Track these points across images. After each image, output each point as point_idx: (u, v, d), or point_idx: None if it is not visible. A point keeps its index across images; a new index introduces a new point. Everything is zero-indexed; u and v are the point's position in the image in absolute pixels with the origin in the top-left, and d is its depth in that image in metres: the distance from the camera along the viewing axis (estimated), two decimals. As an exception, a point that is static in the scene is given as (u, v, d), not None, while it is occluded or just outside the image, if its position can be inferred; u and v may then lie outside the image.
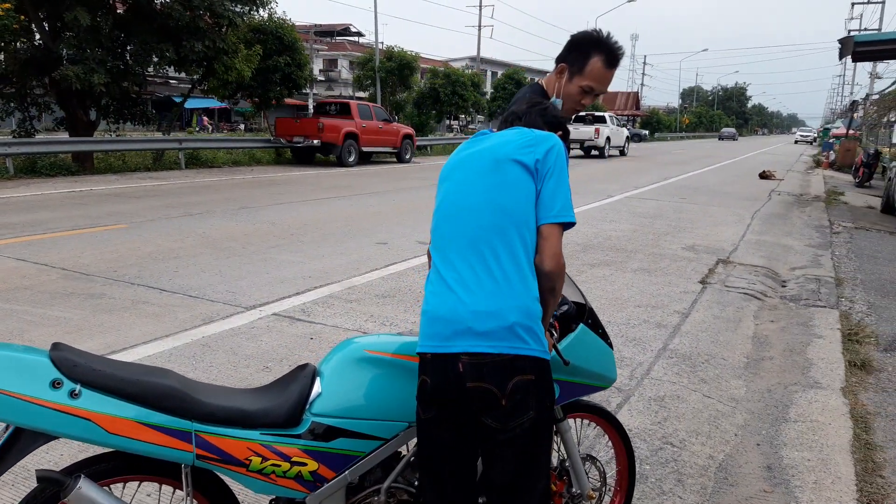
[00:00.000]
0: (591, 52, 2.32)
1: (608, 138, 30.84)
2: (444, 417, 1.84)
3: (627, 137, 34.77)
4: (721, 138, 77.35)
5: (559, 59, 2.41)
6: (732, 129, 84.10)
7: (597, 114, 31.68)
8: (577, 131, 29.37)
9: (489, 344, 1.73)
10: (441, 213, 1.95)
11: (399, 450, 2.04)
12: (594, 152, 30.83)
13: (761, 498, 3.12)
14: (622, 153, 33.79)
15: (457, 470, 1.90)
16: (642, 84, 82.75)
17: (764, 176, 21.49)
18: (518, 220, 1.81)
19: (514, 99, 2.48)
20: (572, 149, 34.20)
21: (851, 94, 63.07)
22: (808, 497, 3.13)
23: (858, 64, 52.70)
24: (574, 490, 2.44)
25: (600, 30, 2.36)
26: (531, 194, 1.84)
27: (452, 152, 2.09)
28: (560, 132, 2.12)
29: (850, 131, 33.35)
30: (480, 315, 1.74)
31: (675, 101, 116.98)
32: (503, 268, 1.77)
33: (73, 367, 1.65)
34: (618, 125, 33.56)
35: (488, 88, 46.29)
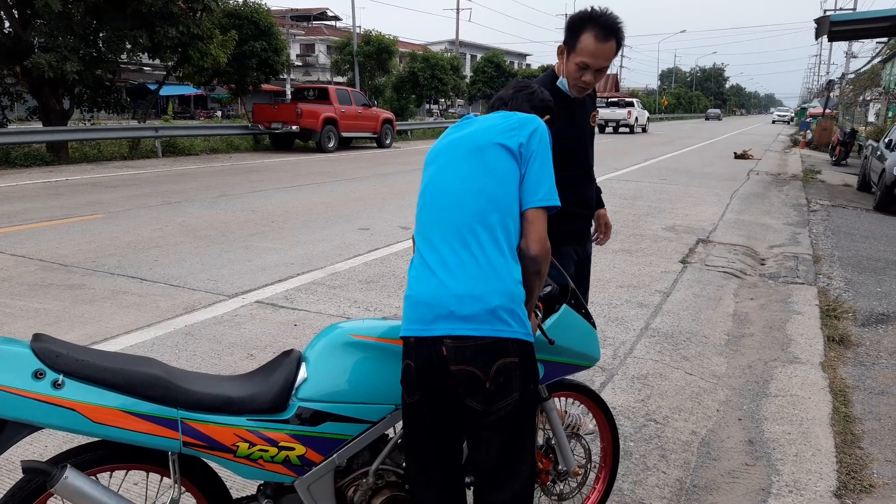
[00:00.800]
0: (581, 28, 2.39)
1: (636, 118, 38.57)
2: (428, 401, 1.84)
3: (647, 118, 42.94)
4: (707, 118, 79.78)
5: (561, 44, 2.54)
6: (718, 111, 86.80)
7: (627, 99, 39.80)
8: (614, 113, 37.37)
9: (472, 327, 1.74)
10: (425, 197, 1.95)
11: (386, 432, 2.04)
12: (624, 129, 38.34)
13: (743, 471, 3.18)
14: (644, 130, 40.93)
15: (442, 452, 1.91)
16: (621, 66, 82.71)
17: (740, 156, 21.66)
18: (501, 205, 1.81)
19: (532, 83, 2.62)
20: (607, 127, 37.26)
21: (828, 73, 63.65)
22: (789, 469, 3.19)
23: (834, 44, 53.14)
24: (560, 467, 2.47)
25: (593, 7, 2.40)
26: (515, 178, 1.84)
27: (439, 137, 2.08)
28: (547, 116, 2.12)
29: (827, 110, 33.72)
30: (463, 298, 1.75)
31: (654, 83, 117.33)
32: (486, 252, 1.77)
33: (55, 357, 1.63)
34: (641, 108, 41.21)
35: (468, 72, 46.11)
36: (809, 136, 30.70)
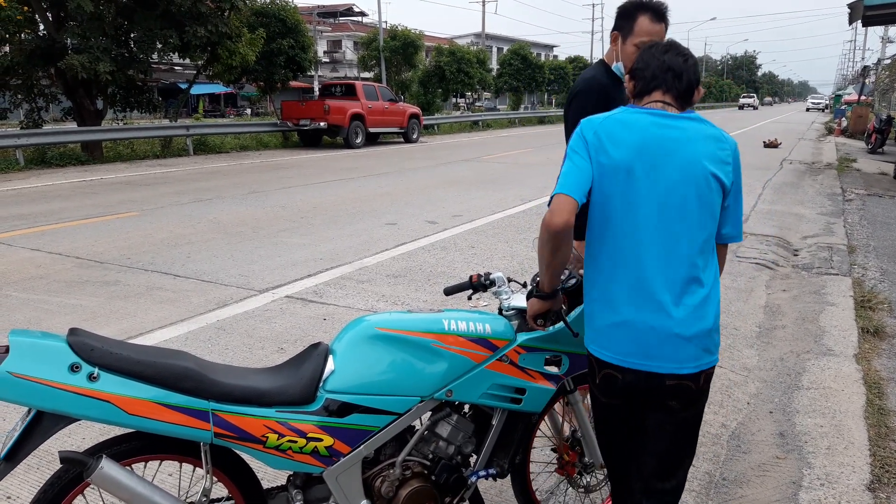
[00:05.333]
0: (635, 13, 2.59)
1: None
2: (629, 402, 1.96)
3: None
4: (741, 107, 76.62)
5: (613, 30, 2.72)
6: (753, 98, 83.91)
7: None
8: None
9: None
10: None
11: (413, 424, 2.07)
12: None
13: (774, 464, 3.14)
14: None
15: (629, 445, 2.04)
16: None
17: (769, 145, 21.26)
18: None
19: (584, 78, 2.82)
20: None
21: (863, 59, 62.06)
22: (821, 462, 3.15)
23: (869, 28, 51.74)
24: (587, 459, 2.48)
25: None
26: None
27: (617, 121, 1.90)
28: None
29: (862, 97, 32.87)
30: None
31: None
32: None
33: (90, 351, 1.68)
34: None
35: (494, 65, 45.96)
36: (844, 123, 30.00)
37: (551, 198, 1.84)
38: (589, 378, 2.05)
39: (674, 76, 1.88)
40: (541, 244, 1.86)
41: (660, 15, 2.56)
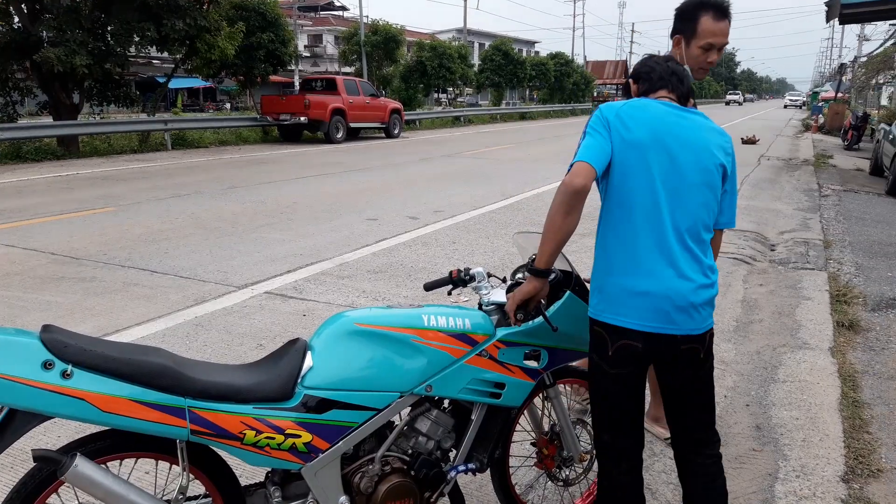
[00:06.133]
0: (697, 13, 2.54)
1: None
2: (636, 373, 2.06)
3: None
4: (727, 103, 79.10)
5: (673, 34, 2.68)
6: (738, 94, 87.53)
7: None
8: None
9: None
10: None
11: (392, 419, 2.07)
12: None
13: (751, 456, 3.18)
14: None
15: (637, 417, 2.14)
16: (630, 52, 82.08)
17: (747, 141, 21.48)
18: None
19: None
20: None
21: (840, 56, 62.93)
22: (796, 454, 3.19)
23: (847, 26, 52.45)
24: (565, 453, 2.49)
25: None
26: None
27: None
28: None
29: (839, 94, 33.31)
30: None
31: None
32: None
33: (63, 347, 1.66)
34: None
35: (476, 60, 45.92)
36: (821, 120, 30.41)
37: (571, 165, 1.96)
38: (593, 354, 2.11)
39: (678, 80, 2.12)
40: (555, 207, 1.95)
41: (722, 11, 2.50)
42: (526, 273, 2.15)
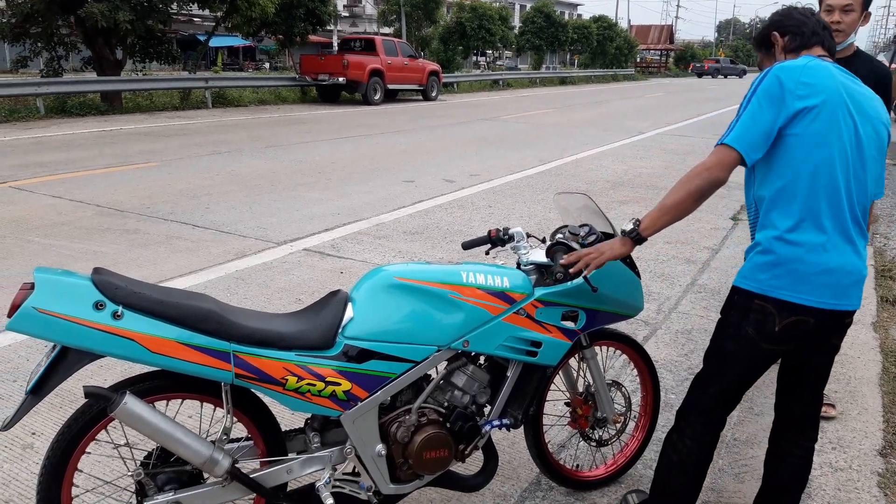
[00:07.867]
0: None
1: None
2: (795, 349, 2.03)
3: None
4: None
5: None
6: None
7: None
8: None
9: None
10: None
11: (429, 372, 2.09)
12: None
13: (786, 427, 3.15)
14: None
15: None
16: (676, 17, 79.91)
17: None
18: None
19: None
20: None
21: (897, 25, 60.24)
22: (833, 427, 3.16)
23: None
24: (599, 414, 2.50)
25: None
26: None
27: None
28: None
29: (894, 65, 32.01)
30: None
31: (710, 35, 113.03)
32: None
33: (114, 289, 1.71)
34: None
35: (517, 22, 45.12)
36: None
37: (721, 143, 1.86)
38: (749, 328, 1.97)
39: (829, 35, 1.95)
40: (688, 188, 1.86)
41: None
42: (623, 232, 1.98)
